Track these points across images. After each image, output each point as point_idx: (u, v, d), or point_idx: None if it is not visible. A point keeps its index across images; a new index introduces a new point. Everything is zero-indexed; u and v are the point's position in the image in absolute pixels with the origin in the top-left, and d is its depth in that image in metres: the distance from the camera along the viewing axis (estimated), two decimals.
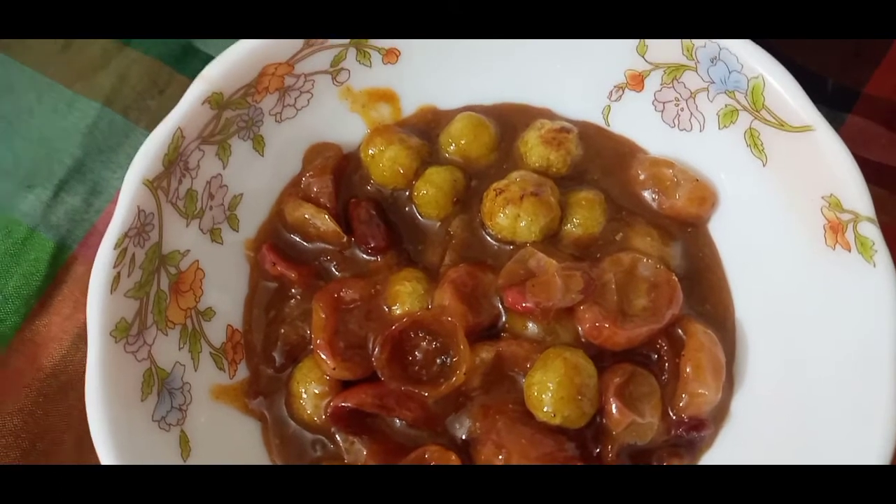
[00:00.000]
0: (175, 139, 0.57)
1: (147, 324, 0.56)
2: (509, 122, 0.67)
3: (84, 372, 0.66)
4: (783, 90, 0.56)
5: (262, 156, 0.64)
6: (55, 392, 0.69)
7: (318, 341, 0.59)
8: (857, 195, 0.54)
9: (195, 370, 0.59)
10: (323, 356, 0.59)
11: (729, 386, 0.60)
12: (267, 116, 0.63)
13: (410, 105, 0.68)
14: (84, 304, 0.54)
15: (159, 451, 0.54)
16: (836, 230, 0.55)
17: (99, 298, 0.53)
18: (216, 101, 0.59)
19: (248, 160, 0.63)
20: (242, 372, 0.62)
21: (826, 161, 0.55)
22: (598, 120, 0.67)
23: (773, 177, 0.59)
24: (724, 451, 0.59)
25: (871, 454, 0.51)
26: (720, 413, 0.60)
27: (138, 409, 0.54)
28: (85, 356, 0.68)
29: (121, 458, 0.51)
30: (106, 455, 0.51)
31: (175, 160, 0.58)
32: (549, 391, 0.56)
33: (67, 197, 0.77)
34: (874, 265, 0.53)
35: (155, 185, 0.57)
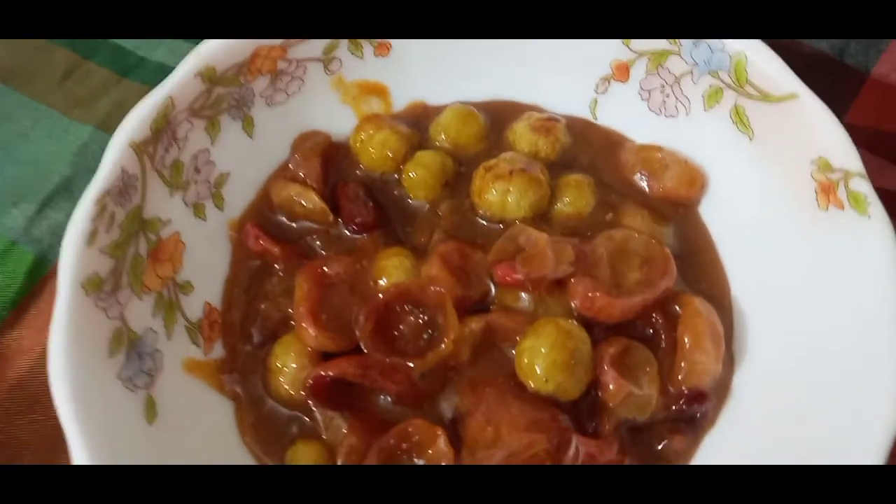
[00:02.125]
0: (165, 107, 0.57)
1: (121, 284, 0.54)
2: (498, 115, 0.68)
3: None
4: (765, 62, 0.57)
5: (251, 138, 0.64)
6: (18, 405, 0.66)
7: (299, 310, 0.57)
8: (845, 153, 0.54)
9: (168, 339, 0.56)
10: (304, 325, 0.56)
11: (729, 363, 0.58)
12: (258, 98, 0.64)
13: (401, 100, 0.69)
14: None
15: (122, 410, 0.50)
16: (827, 191, 0.54)
17: (74, 249, 0.51)
18: (208, 76, 0.60)
19: (237, 140, 0.63)
20: (218, 351, 0.59)
21: (812, 125, 0.55)
22: (585, 114, 0.68)
23: (760, 150, 0.59)
24: (727, 428, 0.55)
25: (879, 421, 0.47)
26: (722, 391, 0.57)
27: (103, 364, 0.51)
28: None
29: (78, 409, 0.47)
30: (64, 406, 0.47)
31: (163, 128, 0.58)
32: (540, 356, 0.53)
33: (52, 212, 0.76)
34: (869, 217, 0.52)
35: (141, 148, 0.56)
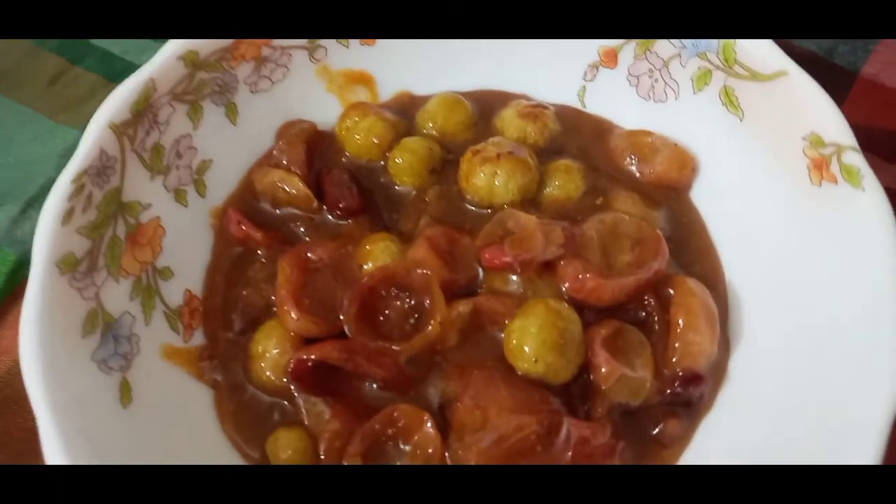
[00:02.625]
0: (146, 89, 0.56)
1: (97, 266, 0.53)
2: (486, 104, 0.67)
3: None
4: (753, 41, 0.57)
5: (235, 125, 0.63)
6: None
7: (281, 293, 0.55)
8: (837, 127, 0.53)
9: (146, 325, 0.55)
10: (286, 307, 0.54)
11: (725, 346, 0.56)
12: (242, 85, 0.63)
13: (387, 90, 0.68)
14: None
15: (95, 392, 0.48)
16: (820, 166, 0.53)
17: (49, 227, 0.50)
18: (190, 60, 0.59)
19: (219, 127, 0.62)
20: (198, 339, 0.57)
21: (802, 102, 0.55)
22: (574, 102, 0.67)
23: (751, 130, 0.59)
24: (724, 412, 0.54)
25: (879, 397, 0.46)
26: (718, 373, 0.55)
27: (76, 344, 0.49)
28: None
29: (48, 386, 0.45)
30: (34, 382, 0.45)
31: (144, 110, 0.57)
32: (530, 336, 0.51)
33: (35, 214, 0.73)
34: (863, 189, 0.51)
35: (121, 130, 0.55)
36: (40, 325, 0.47)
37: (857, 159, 0.52)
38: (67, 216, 0.51)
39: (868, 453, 0.44)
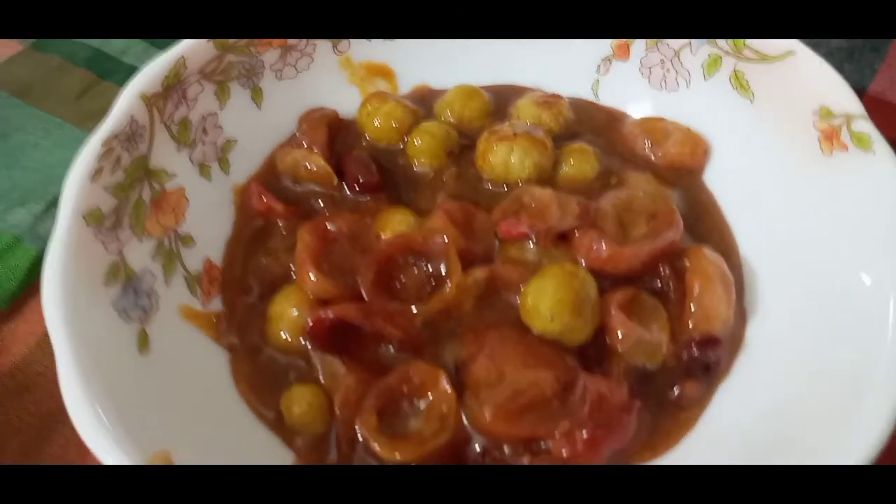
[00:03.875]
0: (177, 66, 0.59)
1: (122, 224, 0.54)
2: (502, 96, 0.69)
3: (46, 372, 0.63)
4: None
5: (260, 109, 0.66)
6: (8, 393, 0.64)
7: (301, 257, 0.56)
8: (846, 98, 0.54)
9: (166, 285, 0.55)
10: (305, 270, 0.55)
11: (742, 316, 0.56)
12: (268, 71, 0.65)
13: (406, 84, 0.71)
14: None
15: (113, 335, 0.49)
16: (830, 137, 0.55)
17: (78, 181, 0.52)
18: (220, 42, 0.62)
19: (245, 109, 0.65)
20: (217, 305, 0.58)
21: (811, 78, 0.56)
22: (588, 95, 0.69)
23: (762, 111, 0.60)
24: (741, 379, 0.53)
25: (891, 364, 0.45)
26: (735, 342, 0.55)
27: (98, 290, 0.50)
28: (49, 358, 0.65)
29: (68, 325, 0.46)
30: (54, 320, 0.46)
31: (175, 85, 0.59)
32: (546, 295, 0.52)
33: (57, 213, 0.76)
34: (874, 153, 0.52)
35: (151, 101, 0.57)
36: (64, 266, 0.48)
37: (866, 126, 0.53)
38: (96, 174, 0.53)
39: (880, 417, 0.43)
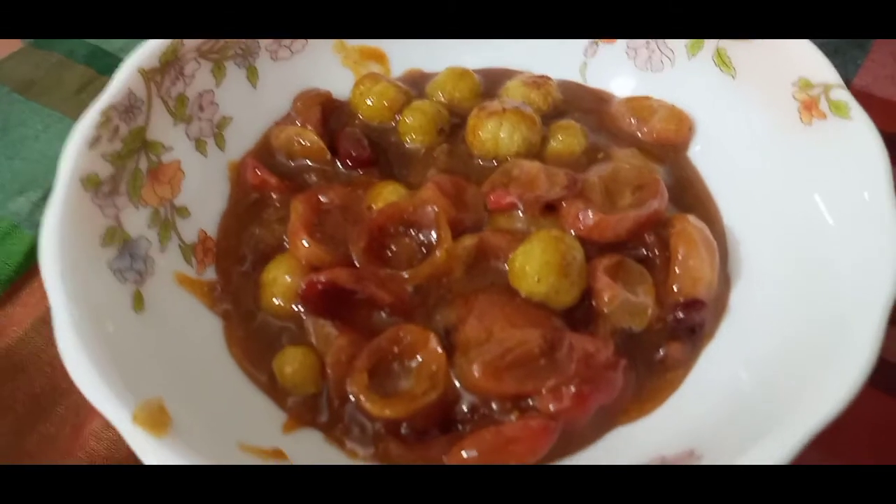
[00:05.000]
0: (174, 43, 0.60)
1: (119, 191, 0.55)
2: (492, 78, 0.71)
3: (41, 353, 0.64)
4: None
5: (255, 88, 0.67)
6: (3, 373, 0.65)
7: (294, 225, 0.57)
8: (823, 68, 0.56)
9: (161, 252, 0.56)
10: (297, 237, 0.56)
11: (725, 282, 0.57)
12: (263, 51, 0.67)
13: (399, 67, 0.72)
14: None
15: (109, 293, 0.50)
16: (809, 107, 0.56)
17: (76, 148, 0.53)
18: None
19: (240, 87, 0.66)
20: (211, 274, 0.59)
21: (790, 51, 0.58)
22: (576, 77, 0.71)
23: (744, 86, 0.62)
24: (725, 342, 0.54)
25: (870, 320, 0.46)
26: (719, 307, 0.56)
27: (94, 251, 0.51)
28: (45, 339, 0.66)
29: (65, 281, 0.47)
30: (51, 277, 0.47)
31: (172, 62, 0.60)
32: (533, 258, 0.53)
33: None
34: (851, 119, 0.53)
35: (149, 75, 0.59)
36: (61, 226, 0.49)
37: (843, 95, 0.54)
38: (94, 141, 0.54)
39: (859, 363, 0.44)
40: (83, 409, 0.61)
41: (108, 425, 0.60)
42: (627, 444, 0.50)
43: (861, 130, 0.52)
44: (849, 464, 0.52)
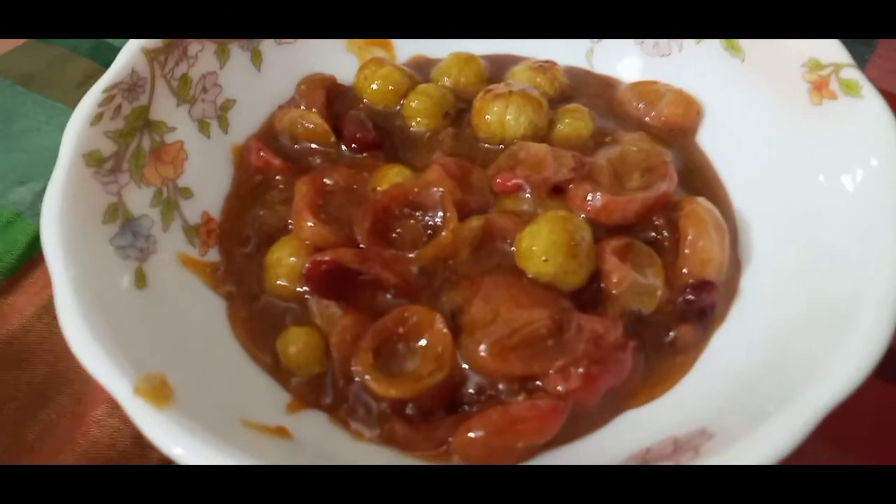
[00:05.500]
0: None
1: (121, 169, 0.54)
2: (498, 64, 0.71)
3: (43, 342, 0.63)
4: None
5: (259, 71, 0.67)
6: (5, 362, 0.64)
7: (298, 205, 0.56)
8: (834, 49, 0.55)
9: (164, 231, 0.55)
10: (301, 217, 0.55)
11: (736, 266, 0.56)
12: None
13: (403, 54, 0.72)
14: None
15: (110, 269, 0.49)
16: (820, 87, 0.55)
17: (78, 124, 0.52)
18: None
19: (244, 70, 0.66)
20: (214, 256, 0.58)
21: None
22: (582, 64, 0.70)
23: (752, 68, 0.61)
24: (736, 325, 0.53)
25: (881, 307, 0.45)
26: (730, 291, 0.55)
27: (96, 227, 0.50)
28: (47, 326, 0.65)
29: (67, 256, 0.46)
30: (52, 252, 0.46)
31: (175, 42, 0.60)
32: (541, 237, 0.52)
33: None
34: (862, 97, 0.52)
35: (152, 55, 0.58)
36: (63, 200, 0.48)
37: (854, 73, 0.54)
38: (97, 119, 0.53)
39: (869, 343, 0.43)
40: (85, 398, 0.60)
41: (110, 413, 0.60)
42: (637, 427, 0.49)
43: (873, 107, 0.52)
44: (854, 454, 0.52)
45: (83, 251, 0.47)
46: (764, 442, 0.38)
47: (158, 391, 0.41)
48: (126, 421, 0.57)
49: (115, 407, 0.58)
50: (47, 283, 0.68)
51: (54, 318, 0.65)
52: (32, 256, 0.70)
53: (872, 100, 0.52)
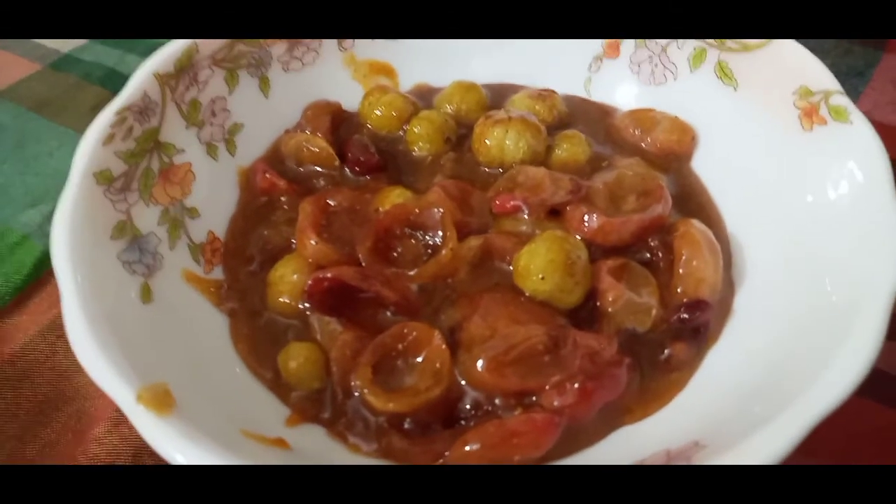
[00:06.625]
0: (189, 50, 0.62)
1: (131, 188, 0.56)
2: (499, 92, 0.73)
3: (46, 360, 0.64)
4: None
5: (267, 97, 0.69)
6: (7, 380, 0.65)
7: (302, 224, 0.58)
8: (823, 76, 0.57)
9: (170, 249, 0.57)
10: (305, 235, 0.57)
11: (730, 286, 0.57)
12: (275, 62, 0.69)
13: (407, 82, 0.74)
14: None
15: (118, 283, 0.50)
16: (810, 113, 0.57)
17: (90, 144, 0.54)
18: None
19: (252, 97, 0.68)
20: (218, 274, 0.60)
21: (790, 60, 0.59)
22: (580, 92, 0.72)
23: (745, 96, 0.63)
24: (730, 344, 0.54)
25: (872, 325, 0.45)
26: (723, 310, 0.56)
27: (104, 242, 0.52)
28: (50, 345, 0.66)
29: (75, 269, 0.47)
30: (62, 265, 0.47)
31: (186, 68, 0.62)
32: (538, 256, 0.53)
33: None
34: (851, 123, 0.54)
35: (164, 79, 0.60)
36: (73, 215, 0.50)
37: (842, 100, 0.55)
38: (108, 139, 0.55)
39: (860, 357, 0.43)
40: (85, 416, 0.61)
41: (109, 431, 0.60)
42: (632, 442, 0.50)
43: (861, 132, 0.53)
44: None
45: (91, 264, 0.48)
46: (753, 451, 0.39)
47: (161, 400, 0.42)
48: (125, 438, 0.58)
49: (114, 425, 0.59)
50: (52, 304, 0.69)
51: (57, 337, 0.67)
52: (38, 277, 0.71)
53: (860, 124, 0.53)
